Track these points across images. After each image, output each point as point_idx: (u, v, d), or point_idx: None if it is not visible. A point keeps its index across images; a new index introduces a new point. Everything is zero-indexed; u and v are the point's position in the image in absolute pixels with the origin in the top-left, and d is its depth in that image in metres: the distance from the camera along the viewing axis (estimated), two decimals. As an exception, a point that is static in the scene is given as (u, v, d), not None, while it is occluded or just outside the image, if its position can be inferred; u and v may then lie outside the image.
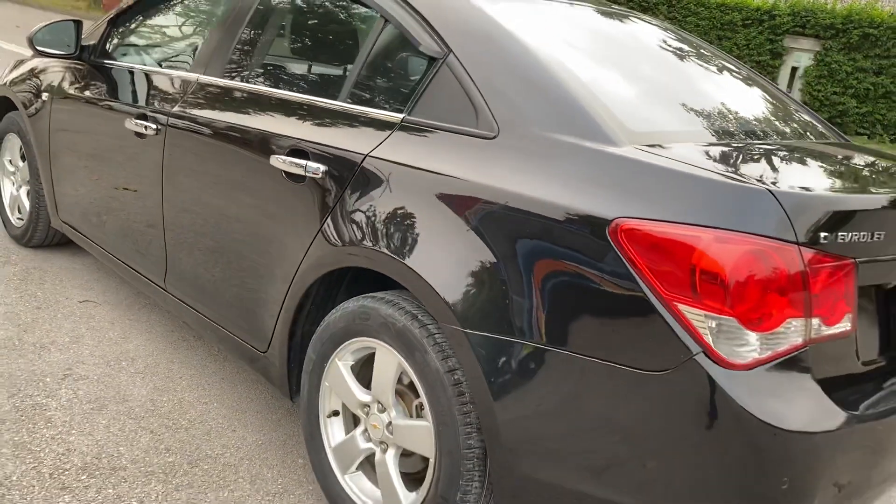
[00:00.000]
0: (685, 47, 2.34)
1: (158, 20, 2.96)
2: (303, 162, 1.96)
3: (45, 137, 3.20)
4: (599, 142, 1.56)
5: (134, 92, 2.71)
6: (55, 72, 3.22)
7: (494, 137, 1.67)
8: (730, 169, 1.53)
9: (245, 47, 2.38)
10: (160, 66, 2.78)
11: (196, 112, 2.35)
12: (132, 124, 2.57)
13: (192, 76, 2.46)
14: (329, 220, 1.91)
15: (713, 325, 1.35)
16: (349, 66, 2.09)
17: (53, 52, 2.94)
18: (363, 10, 2.09)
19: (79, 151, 2.98)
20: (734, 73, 2.34)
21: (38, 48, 2.90)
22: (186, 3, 2.87)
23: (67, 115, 3.04)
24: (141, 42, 2.98)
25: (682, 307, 1.37)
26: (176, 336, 2.91)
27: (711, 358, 1.35)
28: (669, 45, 2.30)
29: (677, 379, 1.37)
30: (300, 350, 2.12)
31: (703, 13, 18.22)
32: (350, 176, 1.87)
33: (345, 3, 2.18)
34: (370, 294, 1.86)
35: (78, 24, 2.93)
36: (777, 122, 2.16)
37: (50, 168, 3.21)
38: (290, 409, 2.50)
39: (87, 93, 2.93)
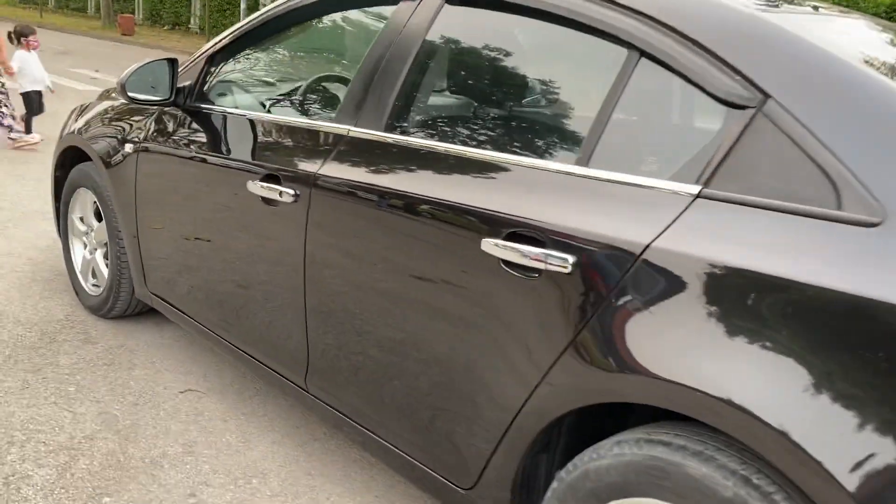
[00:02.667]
0: None
1: (274, 57, 2.47)
2: (536, 251, 1.45)
3: (129, 195, 2.71)
4: None
5: (252, 146, 2.21)
6: (138, 118, 2.73)
7: (878, 224, 1.15)
8: None
9: (417, 92, 1.87)
10: (282, 114, 2.28)
11: (352, 176, 1.85)
12: (257, 188, 2.07)
13: (340, 128, 1.96)
14: (587, 331, 1.39)
15: None
16: (584, 118, 1.57)
17: (149, 100, 2.44)
18: (598, 39, 1.57)
19: (176, 213, 2.48)
20: None
21: (132, 96, 2.41)
22: (313, 33, 2.37)
23: (160, 171, 2.54)
24: (251, 84, 2.49)
25: None
26: (304, 434, 2.41)
27: None
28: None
29: None
30: (522, 490, 1.61)
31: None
32: (620, 273, 1.36)
33: (564, 30, 1.66)
34: (658, 437, 1.34)
35: (173, 64, 2.43)
36: None
37: (136, 230, 2.72)
38: (471, 539, 1.99)
39: (184, 144, 2.44)
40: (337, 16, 2.28)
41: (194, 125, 2.46)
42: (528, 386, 1.49)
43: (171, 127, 2.54)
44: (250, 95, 2.47)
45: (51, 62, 13.00)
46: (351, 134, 1.93)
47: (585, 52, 1.66)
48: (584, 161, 1.50)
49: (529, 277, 1.48)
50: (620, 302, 1.35)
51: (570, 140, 1.61)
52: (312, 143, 2.02)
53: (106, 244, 3.01)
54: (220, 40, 2.47)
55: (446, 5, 1.87)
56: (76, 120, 3.20)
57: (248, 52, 2.47)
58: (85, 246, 3.19)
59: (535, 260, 1.45)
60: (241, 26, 2.41)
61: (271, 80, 2.50)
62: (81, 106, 3.30)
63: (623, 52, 1.51)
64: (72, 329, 3.00)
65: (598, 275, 1.38)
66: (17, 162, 5.69)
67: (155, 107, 2.54)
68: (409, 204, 1.70)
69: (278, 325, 2.13)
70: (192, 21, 28.66)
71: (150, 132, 2.61)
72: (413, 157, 1.78)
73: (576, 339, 1.41)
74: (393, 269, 1.74)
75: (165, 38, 23.26)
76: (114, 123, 2.86)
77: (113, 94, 3.20)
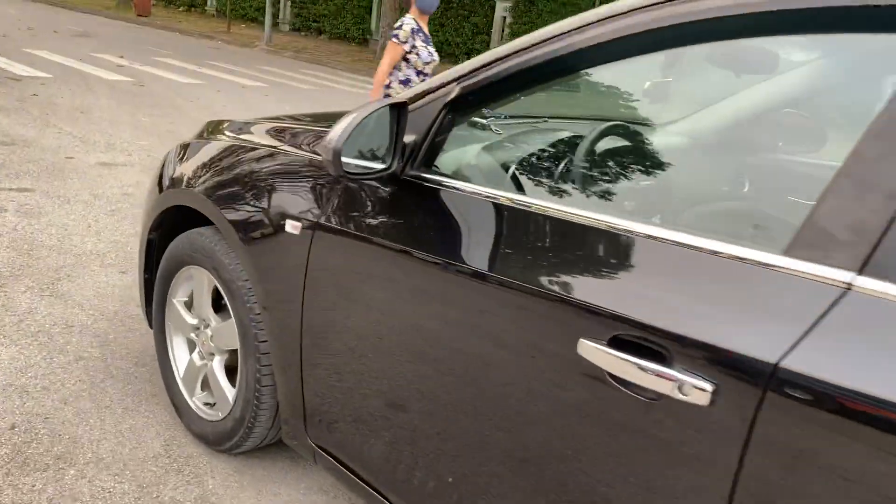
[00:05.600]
0: None
1: (584, 111, 1.51)
2: None
3: (290, 295, 1.77)
4: None
5: (570, 269, 1.26)
6: (306, 179, 1.78)
7: None
8: None
9: None
10: (631, 214, 1.32)
11: (884, 389, 0.90)
12: (600, 356, 1.14)
13: (824, 275, 1.01)
14: None
15: None
16: None
17: (366, 173, 1.50)
18: None
19: (393, 343, 1.54)
20: None
21: (351, 167, 1.46)
22: (663, 81, 1.43)
23: (357, 269, 1.60)
24: (543, 154, 1.54)
25: None
26: None
27: None
28: None
29: None
30: None
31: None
32: None
33: None
34: None
35: (399, 113, 1.48)
36: None
37: (299, 349, 1.78)
38: None
39: (413, 237, 1.49)
40: (715, 51, 1.33)
41: (427, 206, 1.52)
42: None
43: (378, 203, 1.59)
44: (542, 172, 1.52)
45: (71, 47, 12.00)
46: (858, 289, 0.98)
47: None
48: None
49: None
50: None
51: None
52: (740, 293, 1.07)
53: (234, 353, 2.07)
54: (469, 74, 1.51)
55: None
56: (180, 163, 2.25)
57: (524, 95, 1.52)
58: (192, 347, 2.25)
59: None
60: (512, 54, 1.45)
61: (585, 151, 1.55)
62: (183, 145, 2.35)
63: None
64: (178, 474, 2.06)
65: None
66: (53, 177, 4.74)
67: (370, 179, 1.58)
68: None
69: None
70: (208, 2, 27.68)
71: (337, 206, 1.66)
72: None
73: None
74: None
75: (183, 21, 22.25)
76: (258, 180, 1.91)
77: (226, 131, 2.26)
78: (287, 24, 23.99)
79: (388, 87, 4.51)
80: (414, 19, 4.38)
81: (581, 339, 1.17)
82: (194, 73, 11.17)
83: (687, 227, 1.16)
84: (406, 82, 4.40)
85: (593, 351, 1.16)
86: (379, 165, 1.52)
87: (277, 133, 2.09)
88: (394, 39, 4.36)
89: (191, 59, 12.89)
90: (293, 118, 2.41)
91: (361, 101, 10.97)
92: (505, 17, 18.49)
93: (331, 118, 2.68)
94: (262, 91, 10.35)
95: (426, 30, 4.44)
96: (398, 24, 4.40)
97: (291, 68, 14.39)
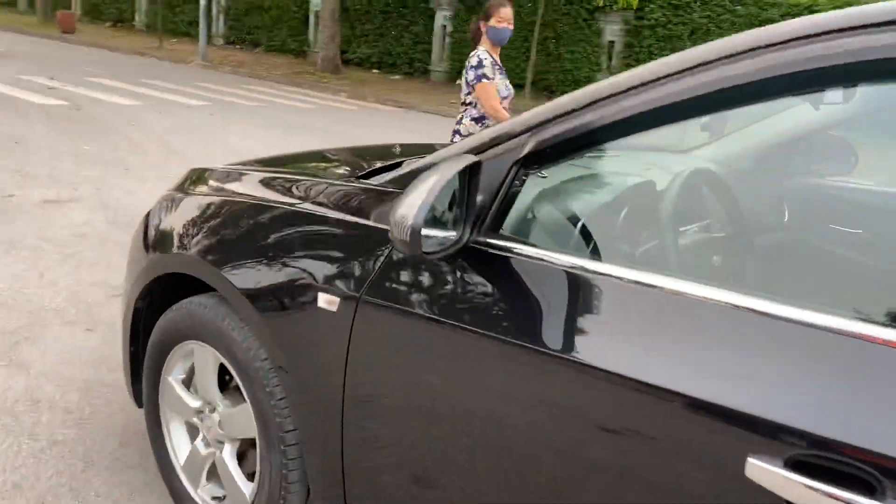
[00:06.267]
0: None
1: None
2: None
3: (329, 377, 1.51)
4: None
5: (702, 364, 1.06)
6: (335, 239, 1.54)
7: None
8: None
9: None
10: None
11: None
12: (763, 474, 0.94)
13: None
14: None
15: None
16: None
17: (440, 249, 1.26)
18: None
19: (460, 436, 1.31)
20: None
21: (430, 242, 1.22)
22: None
23: (411, 348, 1.37)
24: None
25: None
26: None
27: None
28: None
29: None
30: None
31: (740, 11, 17.06)
32: None
33: None
34: None
35: (470, 176, 1.25)
36: None
37: (341, 441, 1.52)
38: None
39: (484, 315, 1.27)
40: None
41: (503, 279, 1.29)
42: None
43: (437, 275, 1.35)
44: (631, 234, 1.31)
45: (-3, 69, 11.27)
46: None
47: None
48: None
49: None
50: None
51: None
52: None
53: (251, 442, 1.79)
54: (545, 124, 1.29)
55: None
56: (169, 220, 1.97)
57: (612, 148, 1.30)
58: (196, 433, 1.95)
59: None
60: (597, 101, 1.24)
61: (678, 204, 1.34)
62: (168, 198, 2.06)
63: None
64: (191, 587, 1.77)
65: None
66: (-6, 218, 4.32)
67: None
68: None
69: None
70: (136, 17, 26.77)
71: (385, 278, 1.42)
72: None
73: None
74: None
75: (111, 37, 21.39)
76: (277, 244, 1.65)
77: (210, 181, 2.00)
78: (221, 38, 23.35)
79: (459, 122, 4.18)
80: (488, 52, 4.07)
81: (749, 459, 0.96)
82: (131, 93, 10.64)
83: (876, 317, 0.95)
84: (480, 119, 4.07)
85: (766, 474, 0.94)
86: (445, 233, 1.28)
87: (280, 185, 1.82)
88: (485, 81, 3.98)
89: (125, 78, 12.30)
90: (279, 163, 2.17)
91: (308, 116, 10.61)
92: (445, 26, 18.33)
93: (318, 158, 2.43)
94: (206, 110, 9.91)
95: (499, 61, 4.13)
96: (475, 61, 4.00)
97: (231, 84, 13.90)
